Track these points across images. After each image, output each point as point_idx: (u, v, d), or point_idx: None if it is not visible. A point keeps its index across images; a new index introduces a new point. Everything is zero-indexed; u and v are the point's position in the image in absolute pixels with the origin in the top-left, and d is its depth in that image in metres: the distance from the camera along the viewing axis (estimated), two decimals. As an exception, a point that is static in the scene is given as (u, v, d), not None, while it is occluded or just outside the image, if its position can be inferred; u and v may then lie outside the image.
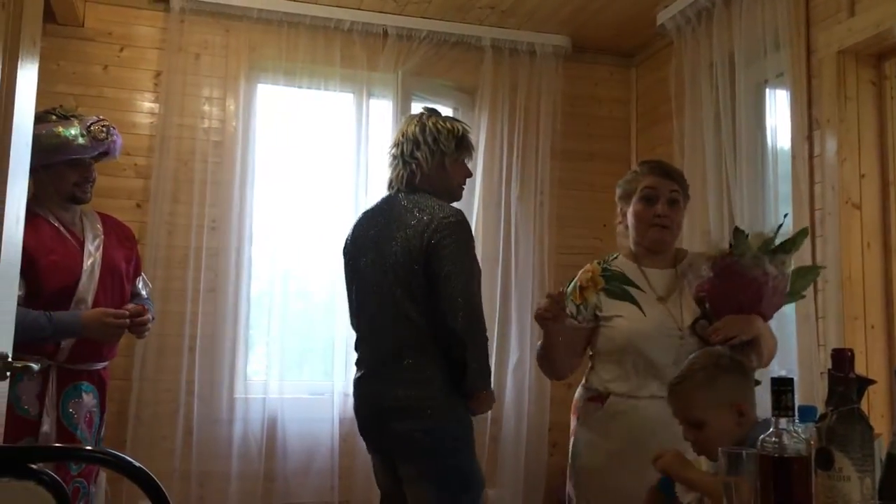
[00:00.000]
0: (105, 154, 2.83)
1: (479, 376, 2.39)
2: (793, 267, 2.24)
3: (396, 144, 2.57)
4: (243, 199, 3.89)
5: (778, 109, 3.45)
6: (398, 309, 2.39)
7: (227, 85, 3.97)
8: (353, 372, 3.89)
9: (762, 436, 1.34)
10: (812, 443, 1.34)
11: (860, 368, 2.85)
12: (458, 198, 2.60)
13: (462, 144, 2.56)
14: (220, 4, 3.94)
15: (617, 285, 2.32)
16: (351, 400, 3.87)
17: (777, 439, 1.32)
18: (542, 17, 4.19)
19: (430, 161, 2.50)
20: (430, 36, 4.20)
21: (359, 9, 4.09)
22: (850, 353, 1.38)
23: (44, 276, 2.59)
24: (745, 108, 3.53)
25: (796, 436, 1.32)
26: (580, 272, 2.39)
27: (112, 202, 3.45)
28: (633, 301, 2.30)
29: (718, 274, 2.15)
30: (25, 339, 2.39)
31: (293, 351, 4.09)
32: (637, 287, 2.33)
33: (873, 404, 2.84)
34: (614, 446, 2.26)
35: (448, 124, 2.56)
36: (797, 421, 1.43)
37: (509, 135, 4.26)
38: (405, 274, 2.39)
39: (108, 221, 2.90)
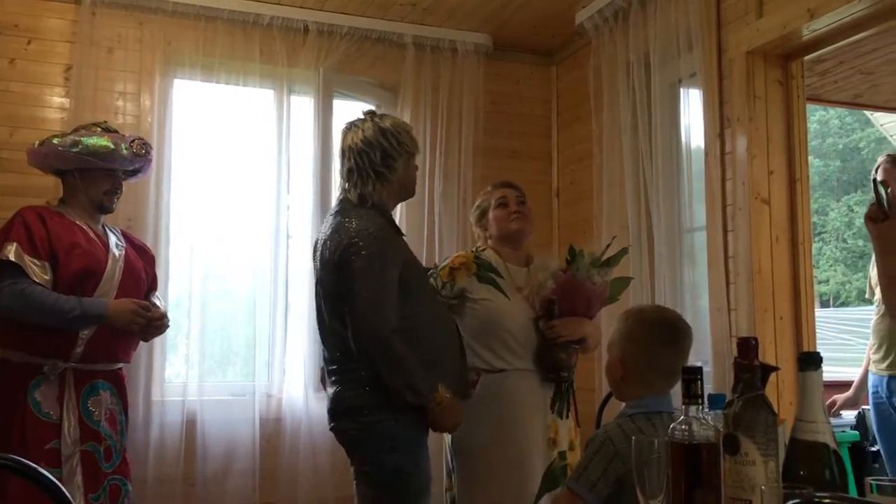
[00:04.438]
0: (135, 172, 3.09)
1: (406, 393, 2.33)
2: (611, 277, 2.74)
3: (359, 154, 2.48)
4: (159, 198, 3.79)
5: (691, 108, 3.54)
6: (328, 321, 2.47)
7: (142, 80, 3.86)
8: (275, 372, 3.92)
9: (673, 424, 1.37)
10: (721, 429, 1.38)
11: (770, 358, 2.98)
12: (413, 193, 2.68)
13: (415, 141, 2.61)
14: (133, -4, 3.83)
15: (486, 273, 2.76)
16: (274, 400, 3.88)
17: (687, 427, 1.34)
18: (462, 15, 4.20)
19: (401, 166, 2.52)
20: (352, 32, 4.17)
21: (278, 3, 4.03)
22: (754, 342, 1.41)
23: (68, 259, 2.76)
24: (661, 106, 3.62)
25: (706, 423, 1.35)
26: (454, 255, 2.87)
27: (22, 201, 3.29)
28: (498, 287, 2.73)
29: (559, 287, 2.67)
30: (54, 321, 2.67)
31: (214, 352, 4.02)
32: (500, 276, 2.76)
33: (782, 393, 2.95)
34: (490, 420, 2.61)
35: (400, 122, 2.60)
36: (707, 408, 1.48)
37: (432, 132, 4.27)
38: (328, 290, 2.45)
39: (128, 236, 3.13)
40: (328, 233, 2.47)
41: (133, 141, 3.02)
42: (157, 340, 3.66)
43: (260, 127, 4.06)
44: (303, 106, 4.14)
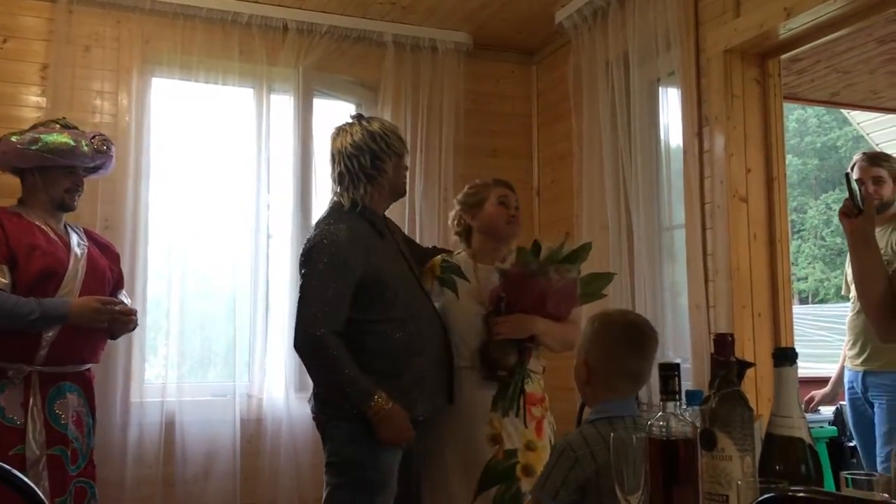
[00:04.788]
0: (96, 169, 3.03)
1: (344, 398, 2.41)
2: (581, 273, 2.67)
3: (349, 158, 2.53)
4: (138, 197, 3.75)
5: (670, 107, 3.57)
6: None
7: (120, 78, 3.83)
8: (255, 372, 3.91)
9: (651, 420, 1.38)
10: (698, 425, 1.38)
11: (748, 355, 3.00)
12: (404, 192, 2.72)
13: (403, 141, 2.65)
14: (110, -6, 3.80)
15: (449, 275, 2.75)
16: (254, 401, 3.87)
17: (664, 423, 1.35)
18: (443, 14, 4.20)
19: (391, 167, 2.56)
20: (332, 31, 4.15)
21: (257, 2, 4.01)
22: (730, 338, 1.43)
23: (28, 261, 2.71)
24: (640, 105, 3.63)
25: (683, 419, 1.36)
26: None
27: (-3, 201, 3.28)
28: (453, 287, 2.72)
29: (506, 283, 2.59)
30: (14, 324, 2.61)
31: (194, 352, 3.99)
32: (465, 279, 2.73)
33: (760, 388, 2.97)
34: (436, 419, 2.63)
35: (388, 124, 2.63)
36: (684, 404, 1.48)
37: (412, 131, 4.26)
38: None
39: (91, 234, 3.08)
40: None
41: (94, 137, 2.95)
42: (137, 341, 3.65)
43: (239, 126, 4.04)
44: (282, 104, 4.12)
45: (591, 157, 3.88)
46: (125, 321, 2.89)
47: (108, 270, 3.00)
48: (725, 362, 1.41)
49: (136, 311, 2.97)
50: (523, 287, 2.58)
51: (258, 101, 4.05)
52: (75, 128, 2.98)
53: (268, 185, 4.01)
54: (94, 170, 3.04)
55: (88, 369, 2.94)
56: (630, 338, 1.90)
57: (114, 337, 3.02)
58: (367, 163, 2.52)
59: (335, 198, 2.61)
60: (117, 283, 3.08)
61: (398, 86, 4.28)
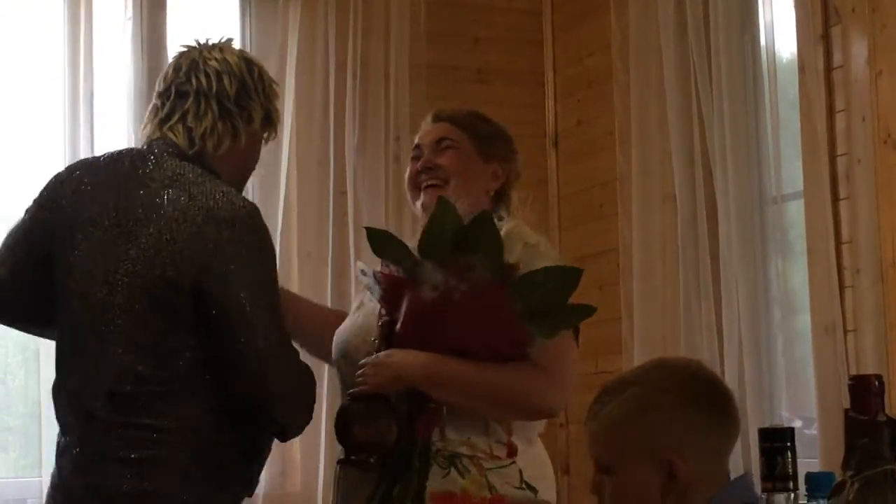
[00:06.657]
0: None
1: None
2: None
3: (206, 74, 2.50)
4: None
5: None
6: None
7: None
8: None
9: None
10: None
11: (914, 407, 3.02)
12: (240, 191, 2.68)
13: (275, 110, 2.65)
14: None
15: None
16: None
17: (773, 526, 1.38)
18: None
19: (256, 122, 2.55)
20: None
21: None
22: (876, 383, 1.45)
23: None
24: (725, -9, 3.67)
25: (800, 521, 1.39)
26: None
27: None
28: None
29: (384, 296, 2.44)
30: None
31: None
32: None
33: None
34: None
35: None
36: (804, 496, 1.51)
37: (339, 44, 4.27)
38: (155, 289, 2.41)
39: None
40: (152, 195, 2.42)
41: None
42: None
43: (43, 46, 4.07)
44: (111, 13, 4.11)
45: (644, 82, 3.92)
46: None
47: None
48: (870, 424, 1.43)
49: None
50: (400, 304, 2.40)
51: (72, 9, 4.02)
52: None
53: (91, 143, 4.01)
54: None
55: None
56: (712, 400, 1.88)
57: None
58: (230, 89, 2.51)
59: (152, 136, 2.52)
60: None
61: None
